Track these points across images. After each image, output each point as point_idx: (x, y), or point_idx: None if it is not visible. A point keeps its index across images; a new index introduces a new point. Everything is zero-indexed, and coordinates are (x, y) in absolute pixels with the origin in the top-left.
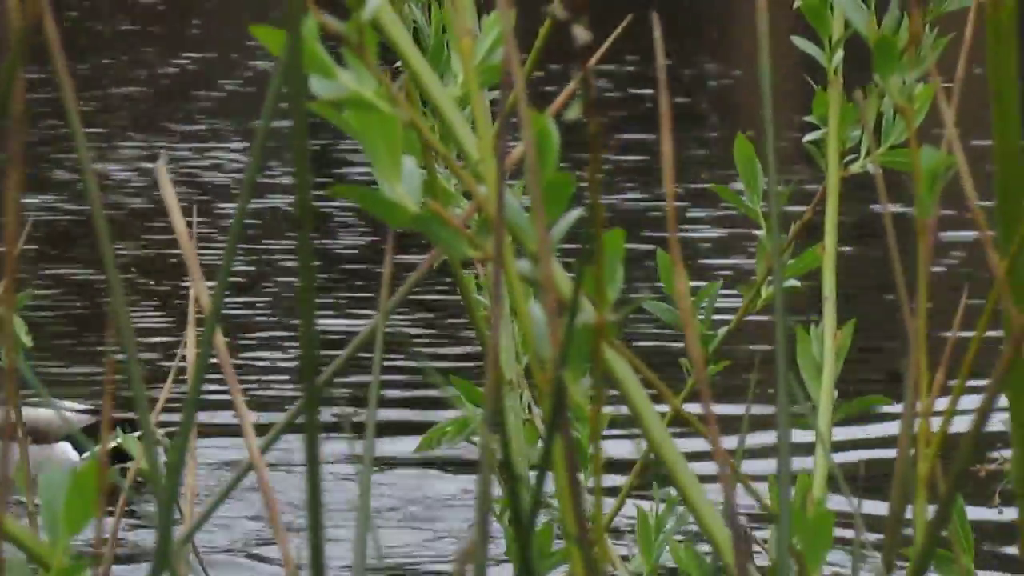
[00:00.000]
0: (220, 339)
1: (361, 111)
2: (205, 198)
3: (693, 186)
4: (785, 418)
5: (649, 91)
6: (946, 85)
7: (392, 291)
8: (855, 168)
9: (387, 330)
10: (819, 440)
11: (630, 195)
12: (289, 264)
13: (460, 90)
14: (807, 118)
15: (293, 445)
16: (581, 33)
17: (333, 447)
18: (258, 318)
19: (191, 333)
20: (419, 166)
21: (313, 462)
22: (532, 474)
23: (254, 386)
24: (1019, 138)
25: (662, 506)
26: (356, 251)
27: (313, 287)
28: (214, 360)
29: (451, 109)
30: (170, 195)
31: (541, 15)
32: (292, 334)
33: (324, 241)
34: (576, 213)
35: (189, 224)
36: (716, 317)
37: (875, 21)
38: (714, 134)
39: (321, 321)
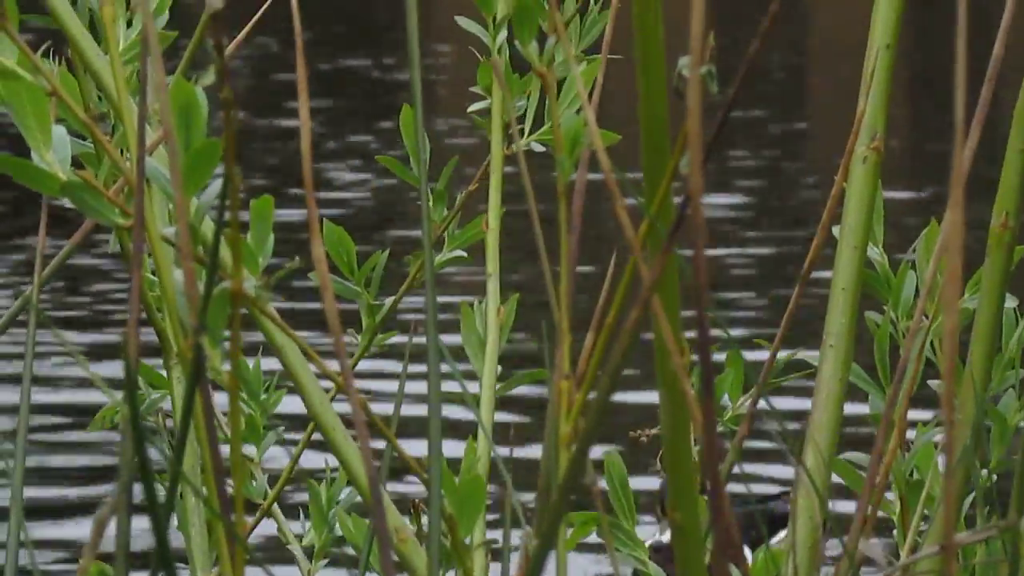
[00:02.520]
0: None
1: (8, 80)
2: None
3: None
4: (435, 389)
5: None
6: (612, 56)
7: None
8: (516, 148)
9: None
10: (478, 416)
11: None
12: None
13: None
14: (473, 88)
15: None
16: (214, 1)
17: None
18: None
19: None
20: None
21: None
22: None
23: None
24: (664, 104)
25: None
26: None
27: None
28: None
29: (107, 75)
30: None
31: None
32: None
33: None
34: (219, 182)
35: None
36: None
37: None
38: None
39: None
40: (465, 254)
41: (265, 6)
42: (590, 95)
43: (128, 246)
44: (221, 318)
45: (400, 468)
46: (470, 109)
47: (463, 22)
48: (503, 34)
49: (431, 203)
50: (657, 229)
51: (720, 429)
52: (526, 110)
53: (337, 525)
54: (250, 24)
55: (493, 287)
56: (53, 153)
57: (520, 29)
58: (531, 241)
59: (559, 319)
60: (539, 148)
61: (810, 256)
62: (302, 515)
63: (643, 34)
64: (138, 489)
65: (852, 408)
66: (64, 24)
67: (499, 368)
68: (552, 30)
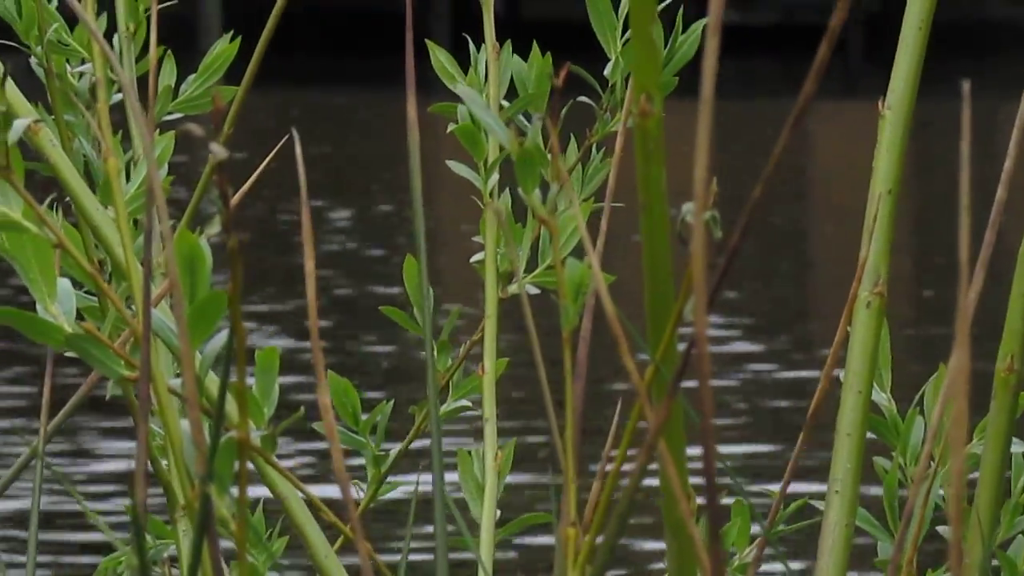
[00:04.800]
0: None
1: (12, 233)
2: None
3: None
4: (442, 540)
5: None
6: (615, 204)
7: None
8: (512, 290)
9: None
10: (480, 563)
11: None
12: None
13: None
14: (475, 238)
15: None
16: (218, 150)
17: None
18: None
19: None
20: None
21: None
22: None
23: None
24: (668, 250)
25: None
26: None
27: None
28: None
29: (108, 228)
30: None
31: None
32: None
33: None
34: (224, 333)
35: None
36: None
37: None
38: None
39: None
40: (469, 403)
41: (266, 161)
42: (594, 241)
43: (132, 397)
44: (228, 467)
45: None
46: (472, 260)
47: (454, 166)
48: (494, 177)
49: (435, 354)
50: (662, 374)
51: None
52: (524, 257)
53: None
54: (256, 173)
55: (490, 431)
56: (58, 305)
57: (523, 177)
58: (552, 383)
59: (565, 466)
60: (533, 291)
61: (814, 402)
62: None
63: (646, 181)
64: None
65: None
66: (64, 179)
67: (498, 512)
68: (554, 178)
